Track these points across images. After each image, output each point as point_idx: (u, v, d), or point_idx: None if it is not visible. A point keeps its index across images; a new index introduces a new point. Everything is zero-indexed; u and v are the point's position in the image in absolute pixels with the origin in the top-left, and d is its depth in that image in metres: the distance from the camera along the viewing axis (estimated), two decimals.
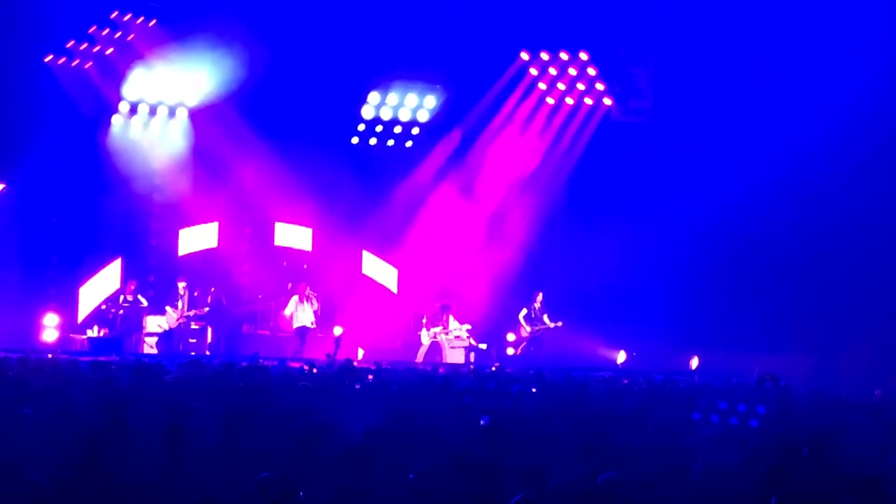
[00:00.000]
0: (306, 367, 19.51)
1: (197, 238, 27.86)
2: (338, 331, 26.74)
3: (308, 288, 26.52)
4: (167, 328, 26.23)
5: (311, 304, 26.37)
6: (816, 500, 8.28)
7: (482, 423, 10.01)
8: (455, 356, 27.10)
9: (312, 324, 26.31)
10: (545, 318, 27.60)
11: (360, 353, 26.69)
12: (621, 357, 27.55)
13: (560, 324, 27.51)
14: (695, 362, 26.78)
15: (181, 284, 26.36)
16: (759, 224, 27.46)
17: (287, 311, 26.50)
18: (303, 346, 25.92)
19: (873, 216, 26.49)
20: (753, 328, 26.82)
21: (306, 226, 28.65)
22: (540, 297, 27.73)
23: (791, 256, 27.60)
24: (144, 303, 26.33)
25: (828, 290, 27.05)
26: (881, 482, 8.16)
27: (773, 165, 26.56)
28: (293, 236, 28.75)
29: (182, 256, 27.73)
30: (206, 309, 26.33)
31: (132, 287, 26.20)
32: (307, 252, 28.79)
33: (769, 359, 24.73)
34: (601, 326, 27.50)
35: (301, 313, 26.32)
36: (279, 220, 28.46)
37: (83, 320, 26.49)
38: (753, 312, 27.26)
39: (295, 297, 26.49)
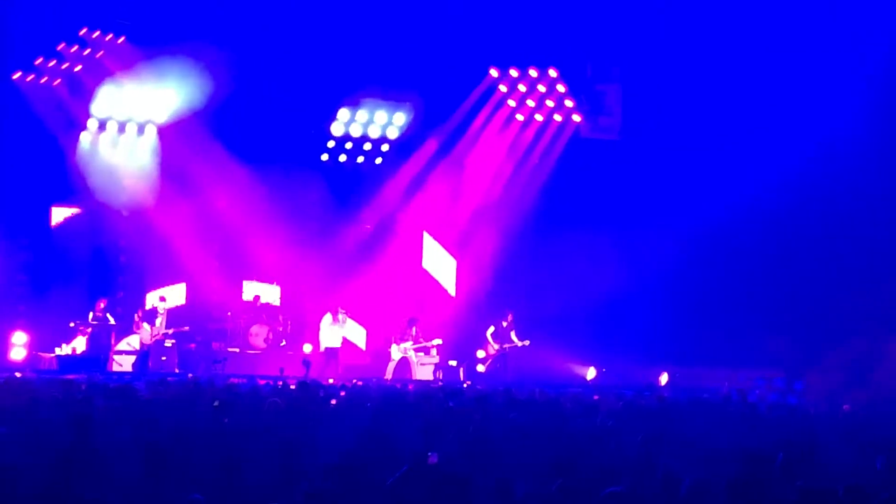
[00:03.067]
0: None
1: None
2: (307, 348, 26.73)
3: (340, 308, 26.44)
4: (138, 346, 26.11)
5: (341, 324, 26.35)
6: None
7: (430, 459, 9.89)
8: (424, 372, 27.09)
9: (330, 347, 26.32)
10: (512, 335, 27.60)
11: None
12: (591, 373, 27.62)
13: (527, 342, 27.48)
14: (664, 378, 26.90)
15: (161, 304, 26.29)
16: (729, 240, 27.57)
17: (330, 334, 26.30)
18: (335, 366, 25.84)
19: (843, 234, 26.61)
20: (723, 344, 26.91)
21: (276, 243, 28.49)
22: (510, 316, 27.74)
23: (762, 273, 27.73)
24: (112, 321, 26.22)
25: (798, 307, 27.19)
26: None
27: (742, 183, 26.68)
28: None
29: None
30: (186, 328, 26.43)
31: (102, 305, 26.09)
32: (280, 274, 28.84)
33: (739, 374, 24.96)
34: (571, 343, 27.53)
35: (331, 334, 26.25)
36: (248, 239, 28.30)
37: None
38: (723, 328, 27.34)
39: (329, 316, 26.36)
